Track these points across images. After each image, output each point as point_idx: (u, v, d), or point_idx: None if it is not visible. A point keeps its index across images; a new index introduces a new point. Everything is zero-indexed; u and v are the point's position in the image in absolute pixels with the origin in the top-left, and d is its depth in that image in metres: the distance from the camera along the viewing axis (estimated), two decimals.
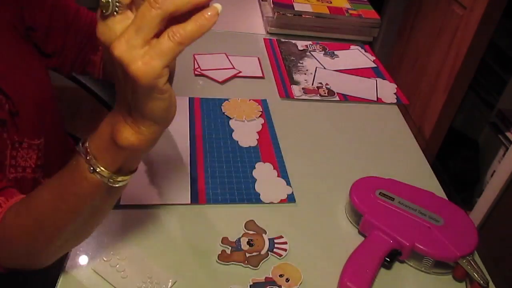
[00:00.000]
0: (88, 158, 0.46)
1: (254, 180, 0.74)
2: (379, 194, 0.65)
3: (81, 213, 0.51)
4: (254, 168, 0.77)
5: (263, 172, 0.76)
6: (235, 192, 0.72)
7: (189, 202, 0.68)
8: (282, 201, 0.71)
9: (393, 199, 0.65)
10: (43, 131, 0.73)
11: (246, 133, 0.85)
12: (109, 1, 0.40)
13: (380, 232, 0.62)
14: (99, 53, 0.82)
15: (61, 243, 0.54)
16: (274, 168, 0.77)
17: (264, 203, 0.71)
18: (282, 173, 0.77)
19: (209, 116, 0.88)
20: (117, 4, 0.40)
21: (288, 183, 0.75)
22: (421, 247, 0.59)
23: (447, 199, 0.71)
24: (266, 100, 0.95)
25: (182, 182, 0.71)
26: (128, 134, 0.44)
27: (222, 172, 0.75)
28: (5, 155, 0.66)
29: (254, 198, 0.71)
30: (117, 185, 0.48)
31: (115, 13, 0.41)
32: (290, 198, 0.72)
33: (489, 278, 0.60)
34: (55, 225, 0.52)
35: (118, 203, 0.66)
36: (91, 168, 0.46)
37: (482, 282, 0.58)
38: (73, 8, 0.79)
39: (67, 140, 0.85)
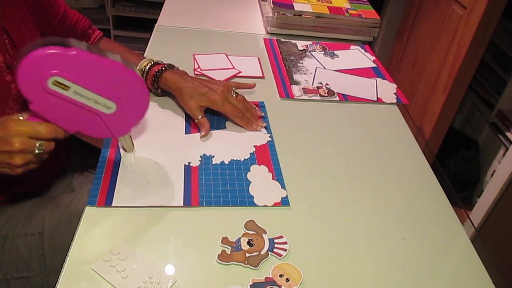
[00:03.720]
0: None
1: (249, 183, 0.73)
2: (53, 83, 0.57)
3: None
4: (249, 170, 0.76)
5: (258, 175, 0.75)
6: (229, 194, 0.70)
7: (182, 204, 0.68)
8: (276, 204, 0.70)
9: (68, 88, 0.58)
10: None
11: None
12: None
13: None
14: None
15: None
16: (269, 171, 0.76)
17: (257, 206, 0.70)
18: (277, 175, 0.76)
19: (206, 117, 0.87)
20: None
21: (283, 186, 0.73)
22: (84, 132, 0.65)
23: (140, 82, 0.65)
24: (263, 102, 0.94)
25: (175, 184, 0.71)
26: None
27: (216, 174, 0.74)
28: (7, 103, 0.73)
29: (247, 201, 0.70)
30: None
31: None
32: (284, 201, 0.71)
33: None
34: None
35: (111, 204, 0.66)
36: None
37: (126, 149, 0.76)
38: (62, 7, 0.89)
39: None
